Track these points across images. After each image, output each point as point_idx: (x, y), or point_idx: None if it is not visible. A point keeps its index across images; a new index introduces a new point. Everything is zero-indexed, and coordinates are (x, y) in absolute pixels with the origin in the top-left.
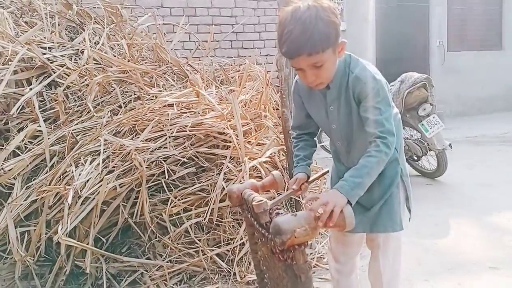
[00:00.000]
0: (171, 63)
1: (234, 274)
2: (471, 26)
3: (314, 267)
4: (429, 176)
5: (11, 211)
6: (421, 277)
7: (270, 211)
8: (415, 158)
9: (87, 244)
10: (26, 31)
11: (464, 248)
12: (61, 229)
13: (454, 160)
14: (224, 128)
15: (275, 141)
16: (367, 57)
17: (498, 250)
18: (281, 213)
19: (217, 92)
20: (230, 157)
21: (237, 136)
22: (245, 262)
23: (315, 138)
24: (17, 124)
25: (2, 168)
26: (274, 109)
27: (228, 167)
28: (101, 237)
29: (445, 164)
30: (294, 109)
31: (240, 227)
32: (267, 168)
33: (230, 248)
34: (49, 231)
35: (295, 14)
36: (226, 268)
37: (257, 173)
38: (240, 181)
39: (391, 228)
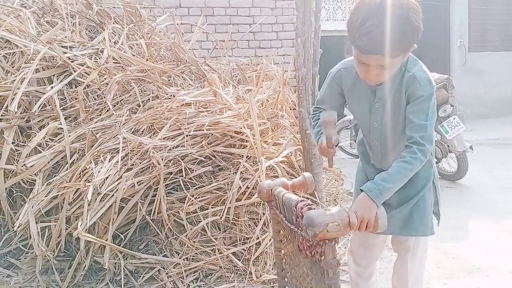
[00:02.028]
0: (189, 62)
1: (250, 273)
2: (493, 26)
3: None
4: (449, 179)
5: (32, 207)
6: (439, 280)
7: (302, 206)
8: (435, 160)
9: (106, 240)
10: (48, 31)
11: (484, 252)
12: (81, 225)
13: (475, 163)
14: (241, 128)
15: (292, 141)
16: None
17: None
18: (314, 208)
19: (234, 91)
20: (247, 156)
21: (254, 136)
22: (261, 261)
23: None
24: (38, 121)
25: (24, 164)
26: (291, 109)
27: (245, 166)
28: (119, 234)
29: (466, 167)
30: (325, 94)
31: (256, 226)
32: (283, 168)
33: (246, 247)
34: (69, 227)
35: (384, 5)
36: (242, 267)
37: (274, 173)
38: (257, 180)
39: (423, 232)
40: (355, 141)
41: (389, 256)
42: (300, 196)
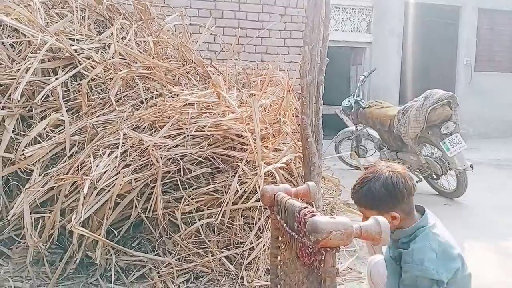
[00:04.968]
0: (195, 63)
1: (242, 278)
2: (500, 47)
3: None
4: (447, 196)
5: (28, 197)
6: None
7: (306, 213)
8: (435, 176)
9: (99, 235)
10: (56, 22)
11: (478, 273)
12: (75, 218)
13: (474, 182)
14: (242, 131)
15: (293, 147)
16: (392, 71)
17: None
18: (318, 215)
19: (238, 94)
20: (246, 160)
21: (255, 140)
22: (254, 267)
23: None
24: (40, 112)
25: (23, 154)
26: (293, 116)
27: (244, 170)
28: (113, 230)
29: (465, 185)
30: None
31: (251, 231)
32: (282, 174)
33: (240, 252)
34: (63, 219)
35: (377, 173)
36: (234, 271)
37: (272, 178)
38: (255, 185)
39: None
40: (355, 152)
41: None
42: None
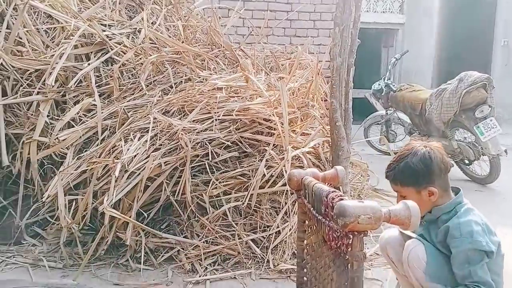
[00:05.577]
0: (223, 47)
1: (268, 261)
2: None
3: None
4: (479, 182)
5: (62, 179)
6: None
7: (334, 196)
8: (467, 162)
9: (130, 217)
10: (89, 8)
11: (509, 258)
12: (107, 200)
13: (508, 167)
14: (270, 115)
15: (321, 132)
16: (425, 53)
17: None
18: (346, 199)
19: (266, 78)
20: (274, 144)
21: (282, 124)
22: (280, 250)
23: None
24: (73, 96)
25: (57, 138)
26: (322, 100)
27: (271, 154)
28: (143, 212)
29: (498, 171)
30: None
31: (278, 215)
32: (309, 158)
33: (266, 235)
34: (95, 202)
35: (413, 150)
36: (260, 255)
37: (299, 163)
38: (282, 169)
39: None
40: (385, 137)
41: None
42: None
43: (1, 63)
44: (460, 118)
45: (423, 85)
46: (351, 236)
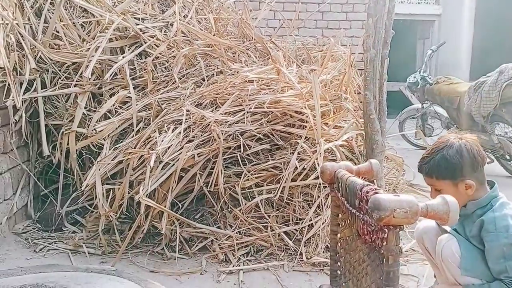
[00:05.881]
0: (254, 39)
1: (301, 254)
2: None
3: None
4: None
5: (99, 169)
6: None
7: (368, 190)
8: (507, 157)
9: (165, 207)
10: (122, 2)
11: None
12: (142, 190)
13: None
14: (301, 108)
15: (354, 125)
16: (462, 45)
17: None
18: (381, 192)
19: (297, 71)
20: (306, 137)
21: (314, 117)
22: (313, 243)
23: None
24: (109, 89)
25: (94, 129)
26: (355, 92)
27: (303, 147)
28: (177, 202)
29: None
30: None
31: (310, 208)
32: (343, 152)
33: (298, 228)
34: (131, 191)
35: (449, 142)
36: (293, 247)
37: (332, 156)
38: (314, 162)
39: None
40: (421, 131)
41: None
42: None
43: (40, 56)
44: (500, 112)
45: (461, 77)
46: (386, 230)
